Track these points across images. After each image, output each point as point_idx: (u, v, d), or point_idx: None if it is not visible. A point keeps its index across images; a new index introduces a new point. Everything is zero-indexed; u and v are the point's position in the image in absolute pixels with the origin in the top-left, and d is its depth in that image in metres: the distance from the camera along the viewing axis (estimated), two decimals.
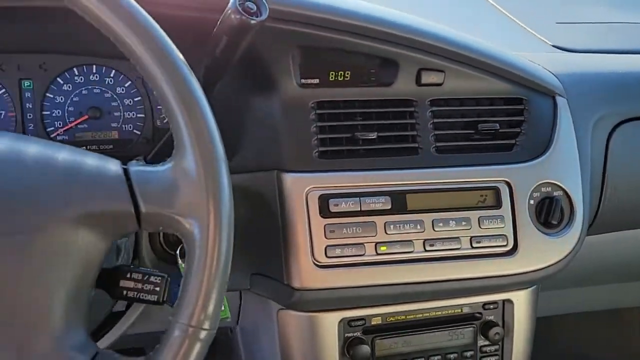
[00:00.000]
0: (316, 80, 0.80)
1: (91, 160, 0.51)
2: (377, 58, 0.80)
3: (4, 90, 0.86)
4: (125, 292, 0.54)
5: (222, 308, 0.82)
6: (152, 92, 0.90)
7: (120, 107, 0.91)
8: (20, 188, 0.47)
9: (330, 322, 0.79)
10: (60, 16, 0.77)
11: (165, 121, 0.92)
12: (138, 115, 0.91)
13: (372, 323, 0.81)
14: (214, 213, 0.49)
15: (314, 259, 0.74)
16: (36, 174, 0.48)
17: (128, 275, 0.54)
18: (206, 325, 0.49)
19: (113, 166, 0.51)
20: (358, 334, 0.80)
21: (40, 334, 0.46)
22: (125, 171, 0.51)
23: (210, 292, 0.49)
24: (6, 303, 0.45)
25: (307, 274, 0.74)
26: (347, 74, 0.81)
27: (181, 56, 0.51)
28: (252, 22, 0.58)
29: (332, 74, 0.81)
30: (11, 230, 0.46)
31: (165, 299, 0.56)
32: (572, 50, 1.04)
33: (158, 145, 0.79)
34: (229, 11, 0.58)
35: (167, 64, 0.50)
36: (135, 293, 0.54)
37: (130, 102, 0.91)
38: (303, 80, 0.79)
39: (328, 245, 0.75)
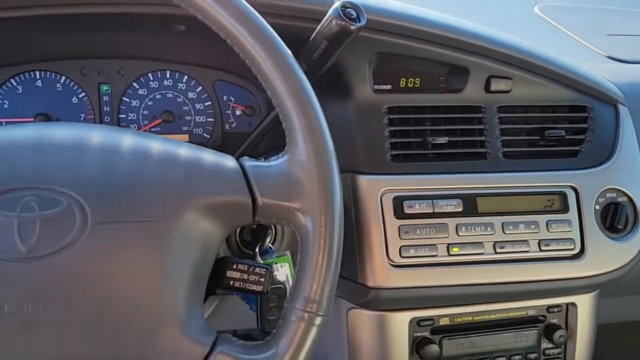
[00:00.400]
0: (388, 86, 0.83)
1: (209, 156, 0.54)
2: (447, 65, 0.83)
3: (84, 94, 0.90)
4: (232, 282, 0.57)
5: None
6: (222, 98, 0.95)
7: (192, 112, 0.94)
8: (150, 180, 0.50)
9: (401, 322, 0.81)
10: (138, 24, 0.82)
11: (233, 125, 0.95)
12: (208, 119, 0.94)
13: (440, 323, 0.83)
14: (327, 205, 0.52)
15: (389, 258, 0.77)
16: (163, 167, 0.51)
17: (234, 267, 0.57)
18: (321, 311, 0.51)
19: (229, 161, 0.54)
20: (426, 333, 0.82)
21: (168, 319, 0.48)
22: (241, 166, 0.54)
23: (325, 280, 0.51)
24: (139, 287, 0.48)
25: (381, 273, 0.76)
26: (417, 80, 0.84)
27: (293, 56, 0.54)
28: (352, 27, 0.61)
29: (403, 81, 0.83)
30: (147, 218, 0.49)
31: (268, 290, 0.58)
32: (627, 61, 1.06)
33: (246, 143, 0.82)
34: (331, 17, 0.61)
35: (283, 64, 0.52)
36: (241, 283, 0.57)
37: (201, 106, 0.94)
38: (376, 86, 0.82)
39: (402, 246, 0.77)
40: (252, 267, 0.57)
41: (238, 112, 0.95)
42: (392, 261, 0.77)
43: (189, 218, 0.51)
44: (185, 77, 0.93)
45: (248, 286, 0.57)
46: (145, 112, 0.92)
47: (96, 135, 0.53)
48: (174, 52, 0.91)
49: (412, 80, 0.84)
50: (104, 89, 0.91)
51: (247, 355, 0.50)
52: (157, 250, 0.49)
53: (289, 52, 0.54)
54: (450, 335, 0.83)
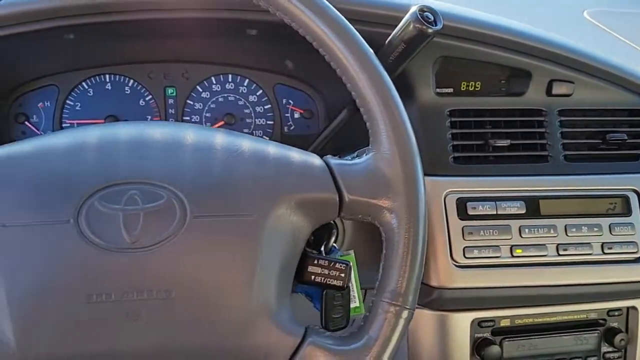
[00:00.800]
0: (450, 90, 0.84)
1: (296, 154, 0.56)
2: (508, 68, 0.84)
3: (150, 97, 0.93)
4: (313, 276, 0.58)
5: (358, 304, 0.86)
6: (281, 101, 0.97)
7: (252, 114, 0.96)
8: (243, 176, 0.52)
9: (462, 322, 0.81)
10: (205, 29, 0.84)
11: (292, 128, 0.97)
12: (268, 122, 0.97)
13: (501, 325, 0.83)
14: (412, 202, 0.53)
15: (452, 259, 0.78)
16: (254, 164, 0.53)
17: (315, 262, 0.59)
18: (408, 305, 0.52)
19: (316, 160, 0.56)
20: (487, 334, 0.83)
21: (260, 309, 0.50)
22: (327, 164, 0.56)
23: (411, 275, 0.53)
24: (234, 278, 0.50)
25: (445, 273, 0.78)
26: (478, 84, 0.85)
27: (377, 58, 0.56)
28: (430, 30, 0.62)
29: (464, 84, 0.85)
30: (241, 212, 0.51)
31: (348, 285, 0.60)
32: None
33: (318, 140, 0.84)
34: (409, 21, 0.63)
35: (368, 66, 0.54)
36: (322, 278, 0.59)
37: (261, 109, 0.97)
38: (438, 90, 0.83)
39: (466, 246, 0.78)
40: (333, 263, 0.59)
41: (297, 115, 0.97)
42: (456, 261, 0.78)
43: (279, 213, 0.53)
44: (247, 80, 0.95)
45: (329, 281, 0.59)
46: (207, 115, 0.95)
47: (190, 133, 0.55)
48: (237, 56, 0.93)
49: (473, 83, 0.85)
50: (170, 92, 0.94)
51: (338, 346, 0.52)
52: (251, 243, 0.51)
53: (373, 53, 0.56)
54: (510, 336, 0.83)
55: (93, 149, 0.52)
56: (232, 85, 0.95)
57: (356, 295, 0.86)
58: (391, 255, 0.53)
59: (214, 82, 0.95)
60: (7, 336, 0.47)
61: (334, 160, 0.56)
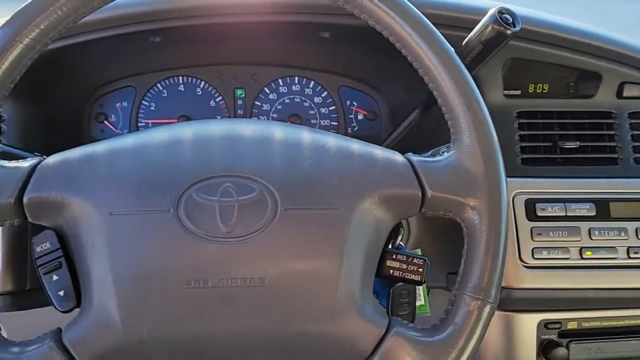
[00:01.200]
0: (518, 92, 0.85)
1: (378, 151, 0.58)
2: (577, 70, 0.84)
3: (220, 98, 0.96)
4: (391, 271, 0.60)
5: (424, 303, 0.87)
6: (346, 102, 0.99)
7: (317, 115, 0.99)
8: (330, 171, 0.54)
9: (529, 323, 0.81)
10: (274, 33, 0.87)
11: (355, 129, 0.99)
12: (332, 123, 0.99)
13: (568, 327, 0.83)
14: (495, 199, 0.54)
15: (521, 259, 0.78)
16: (340, 160, 0.55)
17: (394, 257, 0.60)
18: (491, 299, 0.53)
19: (398, 157, 0.58)
20: (554, 336, 0.82)
21: (346, 300, 0.52)
22: (409, 161, 0.57)
23: (493, 270, 0.54)
24: (321, 269, 0.52)
25: (513, 274, 0.78)
26: (546, 86, 0.86)
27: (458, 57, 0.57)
28: (509, 32, 0.63)
29: (532, 86, 0.85)
30: (329, 206, 0.53)
31: (425, 280, 0.61)
32: None
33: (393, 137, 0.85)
34: (488, 22, 0.64)
35: (450, 64, 0.56)
36: (401, 273, 0.60)
37: (325, 110, 0.99)
38: (506, 92, 0.84)
39: (535, 247, 0.78)
40: (411, 258, 0.60)
41: (360, 117, 0.99)
42: (524, 262, 0.78)
43: (364, 208, 0.54)
44: (312, 82, 0.98)
45: (407, 275, 0.60)
46: (274, 115, 0.98)
47: (278, 130, 0.58)
48: (304, 59, 0.96)
49: (541, 85, 0.86)
50: (239, 93, 0.97)
51: (422, 338, 0.53)
52: (337, 236, 0.53)
53: (455, 53, 0.57)
54: (577, 339, 0.83)
55: (189, 144, 0.55)
56: (298, 87, 0.98)
57: (421, 293, 0.88)
58: (473, 251, 0.54)
59: (281, 83, 0.97)
60: (113, 317, 0.50)
61: (415, 157, 0.58)
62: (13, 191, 0.52)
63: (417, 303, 0.85)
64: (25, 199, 0.52)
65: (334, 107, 0.99)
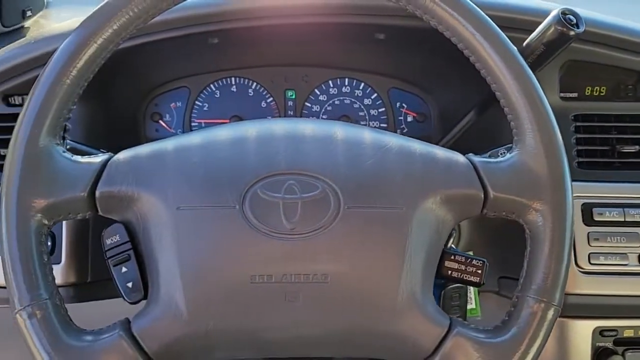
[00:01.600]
0: (574, 94, 0.83)
1: (440, 151, 0.58)
2: (635, 73, 0.82)
3: (271, 99, 0.98)
4: (450, 272, 0.60)
5: (474, 306, 0.86)
6: (395, 104, 0.99)
7: (366, 117, 0.99)
8: (392, 171, 0.55)
9: (584, 330, 0.80)
10: (327, 35, 0.88)
11: (405, 131, 0.99)
12: (381, 125, 0.99)
13: (624, 335, 0.81)
14: (560, 201, 0.54)
15: (577, 265, 0.77)
16: (402, 160, 0.56)
17: (452, 257, 0.60)
18: (555, 302, 0.53)
19: (460, 157, 0.58)
20: (609, 344, 0.81)
21: (408, 299, 0.52)
22: (470, 161, 0.57)
23: (558, 272, 0.53)
24: (384, 268, 0.53)
25: (569, 280, 0.76)
26: (603, 89, 0.84)
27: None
28: (572, 33, 0.63)
29: (589, 89, 0.84)
30: (392, 205, 0.53)
31: (485, 282, 0.61)
32: None
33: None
34: (551, 23, 0.64)
35: (513, 64, 0.56)
36: (459, 274, 0.60)
37: (375, 112, 0.99)
38: (562, 94, 0.83)
39: (591, 253, 0.77)
40: (469, 259, 0.60)
41: (409, 119, 0.99)
42: (580, 267, 0.77)
43: (426, 207, 0.55)
44: (362, 84, 0.98)
45: (465, 277, 0.60)
46: (324, 117, 0.99)
47: (339, 129, 0.58)
48: (354, 60, 0.97)
49: (598, 88, 0.84)
50: (289, 94, 0.98)
51: (485, 339, 0.53)
52: (400, 235, 0.53)
53: (519, 53, 0.57)
54: (634, 347, 0.81)
55: (254, 142, 0.56)
56: (348, 89, 0.99)
57: (473, 296, 0.87)
58: (537, 253, 0.54)
59: (331, 85, 0.98)
60: (179, 309, 0.52)
61: (477, 158, 0.58)
62: (86, 185, 0.54)
63: (468, 306, 0.85)
64: (97, 193, 0.54)
65: (383, 109, 0.99)
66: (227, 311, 0.52)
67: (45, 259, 0.52)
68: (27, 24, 0.92)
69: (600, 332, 0.80)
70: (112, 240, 0.56)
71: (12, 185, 0.52)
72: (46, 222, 0.53)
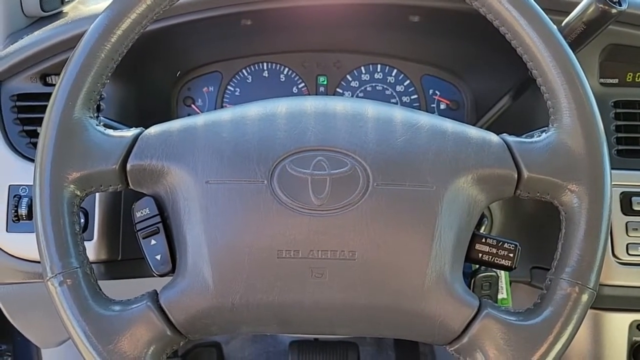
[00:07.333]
0: (615, 80, 0.81)
1: (473, 131, 0.57)
2: None
3: (303, 84, 0.97)
4: (480, 255, 0.58)
5: (506, 296, 0.84)
6: (428, 91, 0.98)
7: (398, 104, 0.98)
8: (423, 149, 0.54)
9: (620, 323, 0.77)
10: (360, 19, 0.87)
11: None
12: None
13: None
14: (597, 183, 0.52)
15: (614, 255, 0.74)
16: (433, 138, 0.55)
17: (483, 240, 0.59)
18: (590, 285, 0.51)
19: (493, 137, 0.56)
20: None
21: (436, 278, 0.51)
22: (504, 141, 0.56)
23: (594, 254, 0.51)
24: (413, 246, 0.52)
25: (605, 270, 0.73)
26: None
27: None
28: (614, 11, 0.61)
29: (630, 75, 0.81)
30: (422, 183, 0.52)
31: (517, 266, 0.59)
32: None
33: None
34: (593, 1, 0.62)
35: (553, 43, 0.54)
36: (490, 257, 0.59)
37: (407, 99, 0.98)
38: (602, 80, 0.80)
39: (630, 243, 0.74)
40: (501, 243, 0.59)
41: (442, 106, 0.98)
42: (618, 258, 0.74)
43: (458, 186, 0.53)
44: (395, 70, 0.97)
45: (497, 260, 0.58)
46: None
47: (370, 107, 0.58)
48: (387, 46, 0.96)
49: None
50: (321, 80, 0.98)
51: (516, 321, 0.52)
52: (430, 213, 0.52)
53: (558, 31, 0.55)
54: None
55: (283, 118, 0.56)
56: (380, 75, 0.98)
57: (504, 286, 0.85)
58: (572, 235, 0.52)
59: (363, 71, 0.97)
60: (207, 281, 0.52)
61: (511, 138, 0.56)
62: (118, 158, 0.55)
63: (499, 296, 0.83)
64: (128, 166, 0.55)
65: (415, 96, 0.97)
66: (254, 285, 0.52)
67: (77, 229, 0.53)
68: (65, 9, 0.94)
69: (638, 326, 0.78)
70: (142, 213, 0.57)
71: (46, 156, 0.53)
72: (78, 193, 0.54)
